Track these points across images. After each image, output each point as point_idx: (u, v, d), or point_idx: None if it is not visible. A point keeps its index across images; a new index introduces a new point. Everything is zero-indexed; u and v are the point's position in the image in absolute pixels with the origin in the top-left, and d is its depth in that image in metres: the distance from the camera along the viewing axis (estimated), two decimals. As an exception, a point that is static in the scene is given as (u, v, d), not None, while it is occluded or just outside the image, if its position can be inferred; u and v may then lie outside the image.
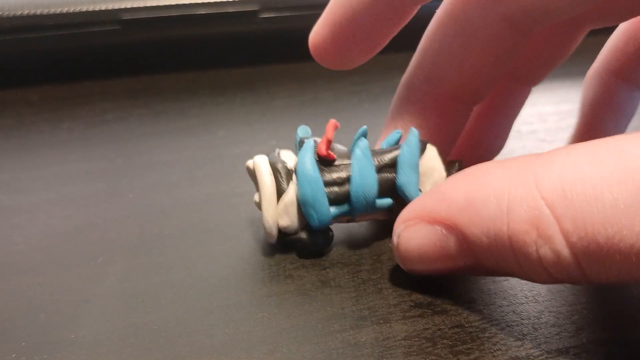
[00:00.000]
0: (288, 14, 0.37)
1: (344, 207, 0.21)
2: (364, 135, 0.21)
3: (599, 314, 0.19)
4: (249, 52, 0.41)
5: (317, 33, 0.22)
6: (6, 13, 0.34)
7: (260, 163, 0.21)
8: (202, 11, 0.36)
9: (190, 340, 0.18)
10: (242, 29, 0.38)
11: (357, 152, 0.21)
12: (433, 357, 0.17)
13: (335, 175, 0.21)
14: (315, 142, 0.21)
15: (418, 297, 0.19)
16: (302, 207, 0.20)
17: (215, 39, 0.41)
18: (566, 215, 0.15)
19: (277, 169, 0.21)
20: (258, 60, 0.40)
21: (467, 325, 0.18)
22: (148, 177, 0.27)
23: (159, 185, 0.27)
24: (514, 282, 0.20)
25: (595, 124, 0.26)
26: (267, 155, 0.22)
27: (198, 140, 0.31)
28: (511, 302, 0.19)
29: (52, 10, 0.34)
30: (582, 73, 0.27)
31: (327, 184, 0.20)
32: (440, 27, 0.22)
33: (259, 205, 0.21)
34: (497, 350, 0.17)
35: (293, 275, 0.21)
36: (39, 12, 0.34)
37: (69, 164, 0.29)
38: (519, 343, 0.18)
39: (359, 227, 0.23)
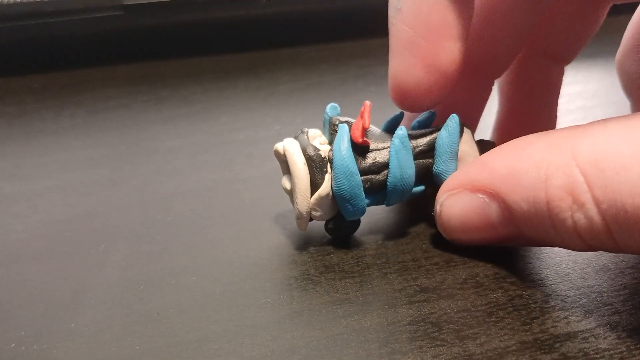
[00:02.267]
0: (291, -4, 0.36)
1: (379, 197, 0.20)
2: (400, 119, 0.21)
3: (607, 297, 0.18)
4: (252, 36, 0.41)
5: (410, 74, 0.20)
6: (7, 0, 0.33)
7: (293, 151, 0.20)
8: (205, -5, 0.35)
9: (194, 327, 0.18)
10: (245, 13, 0.38)
11: (397, 142, 0.20)
12: (439, 342, 0.17)
13: (370, 162, 0.20)
14: (348, 123, 0.20)
15: (424, 281, 0.19)
16: (338, 201, 0.20)
17: (218, 24, 0.40)
18: (597, 183, 0.15)
19: (312, 158, 0.19)
20: (261, 45, 0.40)
21: (473, 309, 0.18)
22: (151, 163, 0.27)
23: (162, 172, 0.26)
24: (520, 265, 0.20)
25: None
26: (297, 138, 0.20)
27: (201, 126, 0.31)
28: (518, 286, 0.19)
29: (53, -3, 0.34)
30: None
31: (363, 172, 0.20)
32: None
33: (289, 192, 0.20)
34: (505, 334, 0.17)
35: (297, 260, 0.20)
36: (39, -2, 0.34)
37: (71, 151, 0.29)
38: (527, 327, 0.17)
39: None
